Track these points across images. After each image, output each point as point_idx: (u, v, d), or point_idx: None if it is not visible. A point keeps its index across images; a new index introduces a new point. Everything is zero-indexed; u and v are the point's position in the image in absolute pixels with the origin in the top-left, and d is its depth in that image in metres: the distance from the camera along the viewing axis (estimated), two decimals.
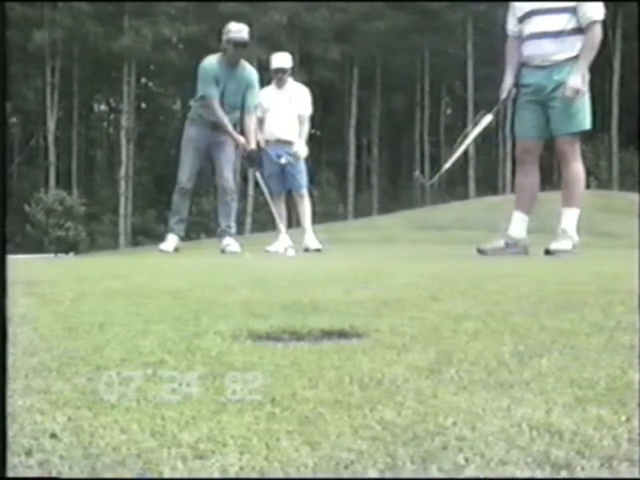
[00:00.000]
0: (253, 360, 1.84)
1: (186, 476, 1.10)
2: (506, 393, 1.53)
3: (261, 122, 8.41)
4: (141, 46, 42.39)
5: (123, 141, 45.10)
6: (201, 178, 8.29)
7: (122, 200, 43.98)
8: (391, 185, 49.28)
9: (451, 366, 1.76)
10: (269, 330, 2.21)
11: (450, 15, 45.17)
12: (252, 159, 8.03)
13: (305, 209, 8.53)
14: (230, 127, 7.86)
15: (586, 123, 6.18)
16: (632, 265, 3.46)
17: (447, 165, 6.58)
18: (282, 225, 8.23)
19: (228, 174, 8.02)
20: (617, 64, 43.71)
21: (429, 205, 34.24)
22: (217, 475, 1.10)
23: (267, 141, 8.41)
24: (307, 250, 8.27)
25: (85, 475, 1.10)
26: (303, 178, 8.52)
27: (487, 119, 6.46)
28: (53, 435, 1.26)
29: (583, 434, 1.26)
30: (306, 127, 8.53)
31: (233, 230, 8.10)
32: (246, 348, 2.00)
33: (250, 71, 8.02)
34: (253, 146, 7.91)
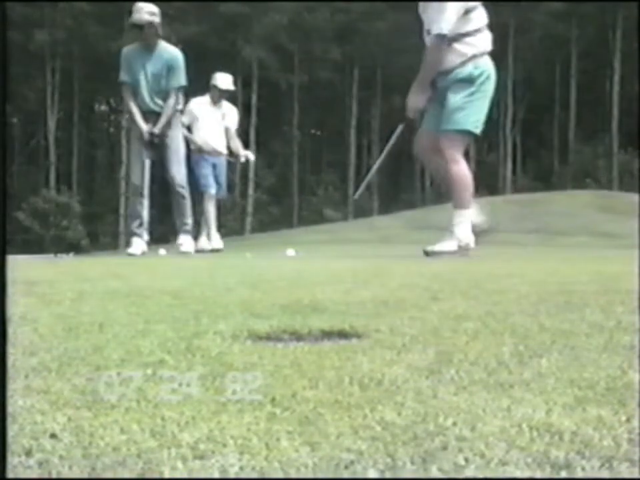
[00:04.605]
0: (253, 360, 1.84)
1: (186, 476, 1.10)
2: (506, 393, 1.53)
3: (188, 128, 8.86)
4: None
5: (124, 141, 45.08)
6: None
7: (122, 200, 43.98)
8: (391, 185, 49.24)
9: (451, 366, 1.76)
10: (268, 330, 2.21)
11: None
12: (151, 143, 7.59)
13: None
14: (136, 115, 7.56)
15: (464, 122, 5.93)
16: (632, 265, 3.45)
17: (368, 178, 6.64)
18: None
19: (175, 170, 7.70)
20: (617, 64, 43.70)
21: (428, 205, 34.25)
22: (217, 475, 1.10)
23: (200, 149, 9.02)
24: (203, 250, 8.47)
25: (84, 475, 1.10)
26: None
27: (399, 129, 6.41)
28: (53, 435, 1.26)
29: (583, 434, 1.26)
30: (237, 140, 9.53)
31: (189, 227, 7.92)
32: (246, 348, 2.00)
33: (170, 52, 7.65)
34: (156, 130, 7.54)
